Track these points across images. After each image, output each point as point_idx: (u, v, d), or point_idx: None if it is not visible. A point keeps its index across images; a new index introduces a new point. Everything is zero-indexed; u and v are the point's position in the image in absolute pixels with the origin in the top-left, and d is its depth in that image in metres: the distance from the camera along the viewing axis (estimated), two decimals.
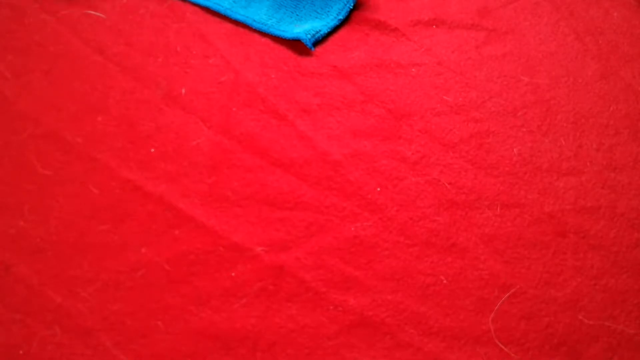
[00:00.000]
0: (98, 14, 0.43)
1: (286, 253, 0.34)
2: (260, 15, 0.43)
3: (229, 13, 0.43)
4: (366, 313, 0.32)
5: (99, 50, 0.41)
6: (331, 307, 0.32)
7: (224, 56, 0.41)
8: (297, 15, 0.43)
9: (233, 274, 0.33)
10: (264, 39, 0.42)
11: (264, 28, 0.42)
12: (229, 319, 0.32)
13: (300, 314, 0.32)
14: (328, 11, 0.43)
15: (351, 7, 0.42)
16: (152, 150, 0.37)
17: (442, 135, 0.38)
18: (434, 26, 0.43)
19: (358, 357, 0.31)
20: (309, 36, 0.41)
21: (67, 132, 0.38)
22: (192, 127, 0.38)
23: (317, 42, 0.42)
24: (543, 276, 0.33)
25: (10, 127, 0.38)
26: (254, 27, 0.43)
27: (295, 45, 0.42)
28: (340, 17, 0.42)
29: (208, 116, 0.39)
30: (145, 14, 0.43)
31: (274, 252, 0.34)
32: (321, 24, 0.42)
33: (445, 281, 0.33)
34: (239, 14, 0.43)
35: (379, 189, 0.36)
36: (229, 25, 0.43)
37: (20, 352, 0.31)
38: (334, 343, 0.32)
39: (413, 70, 0.41)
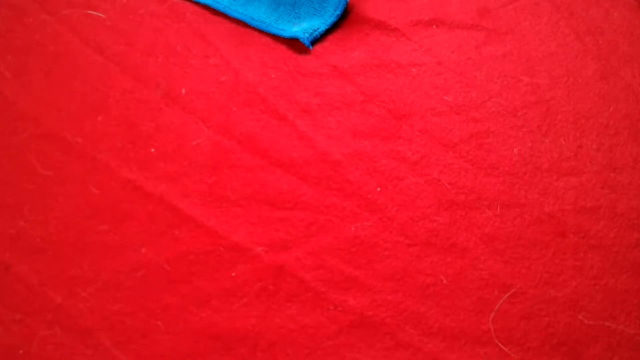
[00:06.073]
0: (98, 14, 0.43)
1: (286, 253, 0.34)
2: (258, 13, 0.43)
3: (227, 11, 0.43)
4: (366, 313, 0.32)
5: (99, 50, 0.41)
6: (331, 307, 0.32)
7: (224, 56, 0.41)
8: (296, 13, 0.43)
9: (233, 274, 0.33)
10: (264, 39, 0.42)
11: (263, 26, 0.42)
12: (229, 319, 0.32)
13: (300, 314, 0.32)
14: (325, 7, 0.43)
15: (347, 1, 0.42)
16: (152, 150, 0.37)
17: (442, 135, 0.38)
18: (434, 26, 0.43)
19: (358, 357, 0.31)
20: (306, 35, 0.41)
21: (67, 132, 0.38)
22: (192, 127, 0.38)
23: (316, 41, 0.42)
24: (543, 276, 0.33)
25: (10, 127, 0.38)
26: (252, 25, 0.43)
27: (295, 45, 0.42)
28: (338, 12, 0.42)
29: (208, 116, 0.39)
30: (145, 14, 0.43)
31: (274, 252, 0.34)
32: (319, 22, 0.42)
33: (445, 281, 0.33)
34: (238, 11, 0.43)
35: (379, 189, 0.36)
36: (229, 25, 0.43)
37: (20, 352, 0.31)
38: (334, 343, 0.32)
39: (413, 70, 0.40)
